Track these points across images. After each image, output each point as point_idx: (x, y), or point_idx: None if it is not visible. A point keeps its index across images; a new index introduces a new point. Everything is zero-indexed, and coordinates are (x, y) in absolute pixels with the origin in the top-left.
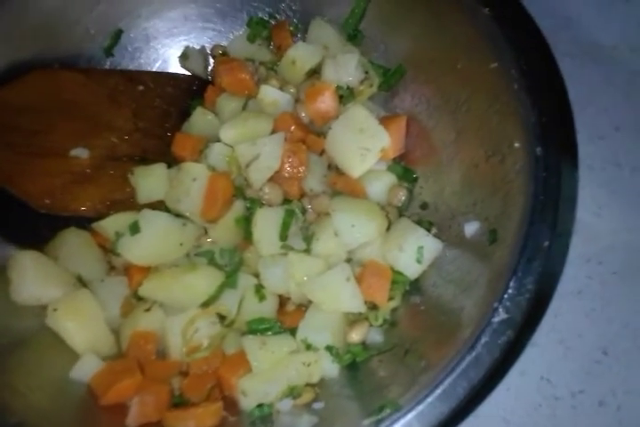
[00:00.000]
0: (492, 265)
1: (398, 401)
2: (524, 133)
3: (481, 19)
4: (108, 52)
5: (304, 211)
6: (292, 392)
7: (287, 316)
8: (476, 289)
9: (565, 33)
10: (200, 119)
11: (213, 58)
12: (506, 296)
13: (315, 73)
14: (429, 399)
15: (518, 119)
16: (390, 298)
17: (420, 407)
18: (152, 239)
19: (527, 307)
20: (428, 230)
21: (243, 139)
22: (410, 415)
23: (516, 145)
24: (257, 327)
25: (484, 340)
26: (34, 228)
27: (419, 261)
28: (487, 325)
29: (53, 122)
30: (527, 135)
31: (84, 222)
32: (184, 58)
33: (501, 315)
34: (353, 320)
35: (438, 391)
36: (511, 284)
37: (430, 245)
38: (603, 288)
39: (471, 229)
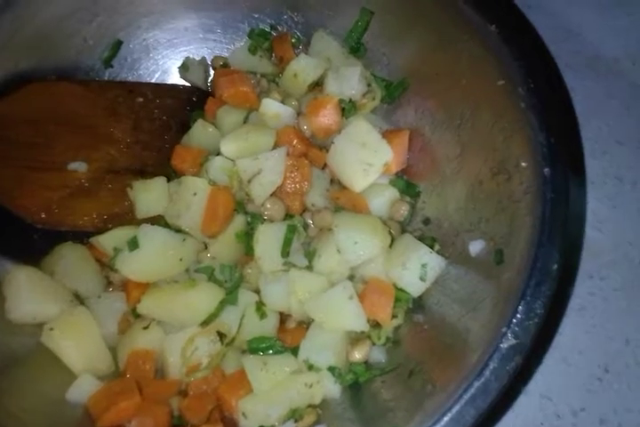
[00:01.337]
0: (499, 287)
1: None
2: (531, 153)
3: (487, 36)
4: (107, 63)
5: (306, 226)
6: (294, 414)
7: (288, 333)
8: (483, 311)
9: (567, 45)
10: (200, 132)
11: (214, 69)
12: (514, 321)
13: (317, 86)
14: None
15: (525, 138)
16: (393, 316)
17: None
18: (151, 255)
19: (536, 332)
20: (431, 247)
21: (244, 153)
22: None
23: (523, 164)
24: (257, 346)
25: (492, 366)
26: (30, 242)
27: (422, 279)
28: (495, 350)
29: (51, 135)
30: (535, 155)
31: (82, 236)
32: (184, 69)
33: (510, 340)
34: (355, 339)
35: (446, 419)
36: (520, 308)
37: (434, 263)
38: (604, 305)
39: (476, 247)
